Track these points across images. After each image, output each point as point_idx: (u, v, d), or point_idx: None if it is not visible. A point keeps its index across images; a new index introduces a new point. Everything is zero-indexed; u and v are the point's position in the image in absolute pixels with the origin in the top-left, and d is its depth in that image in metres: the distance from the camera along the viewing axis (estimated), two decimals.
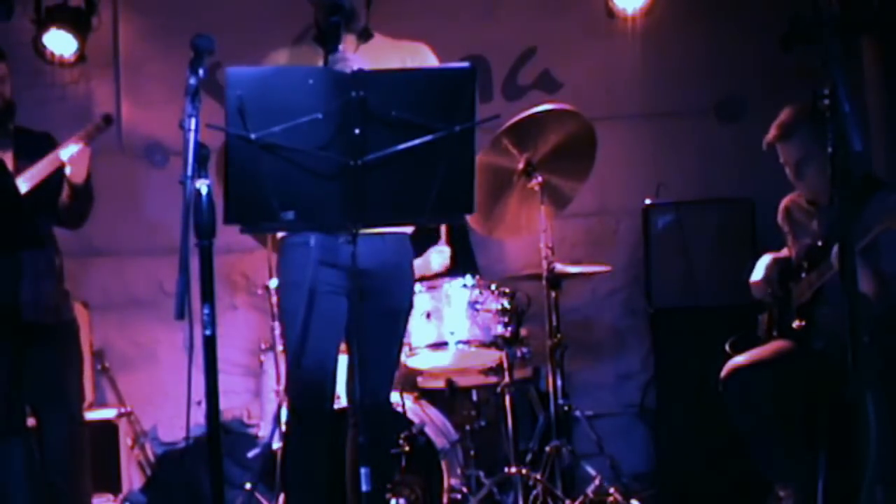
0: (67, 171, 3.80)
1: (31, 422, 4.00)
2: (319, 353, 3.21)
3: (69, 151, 3.79)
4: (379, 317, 3.20)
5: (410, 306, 3.42)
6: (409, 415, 4.25)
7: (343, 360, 3.34)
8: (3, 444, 3.88)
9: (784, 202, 4.08)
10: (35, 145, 3.99)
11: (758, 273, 4.04)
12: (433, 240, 4.76)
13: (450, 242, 4.74)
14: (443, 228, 4.72)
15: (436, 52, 3.35)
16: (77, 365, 4.08)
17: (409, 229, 3.40)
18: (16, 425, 3.91)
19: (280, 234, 3.38)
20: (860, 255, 3.40)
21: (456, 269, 4.53)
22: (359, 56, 3.15)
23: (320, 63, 3.16)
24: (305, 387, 3.25)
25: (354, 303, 3.05)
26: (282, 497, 4.33)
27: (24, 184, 3.80)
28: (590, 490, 4.22)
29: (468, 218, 4.15)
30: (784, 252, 4.09)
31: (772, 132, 3.87)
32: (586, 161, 4.34)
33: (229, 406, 5.42)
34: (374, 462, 2.74)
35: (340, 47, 3.06)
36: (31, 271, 3.91)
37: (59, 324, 4.00)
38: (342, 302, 3.21)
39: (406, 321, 3.42)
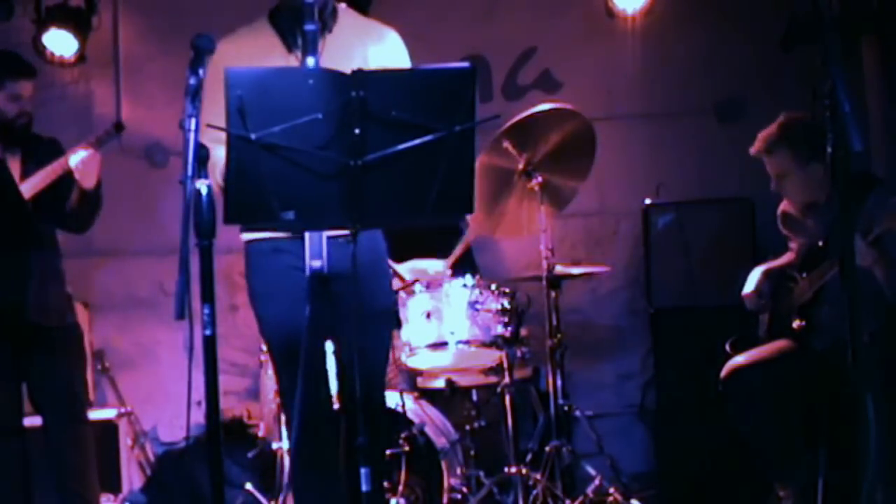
0: (77, 176, 3.81)
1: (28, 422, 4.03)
2: (306, 359, 3.14)
3: (78, 157, 3.82)
4: (361, 319, 3.14)
5: (392, 303, 3.37)
6: (409, 415, 4.25)
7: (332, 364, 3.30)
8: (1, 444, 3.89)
9: (780, 209, 4.11)
10: (42, 150, 4.02)
11: (749, 285, 4.05)
12: (427, 240, 4.74)
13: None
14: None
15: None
16: (82, 368, 4.16)
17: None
18: (13, 425, 3.92)
19: (245, 239, 3.26)
20: (871, 246, 3.42)
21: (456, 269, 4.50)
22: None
23: (279, 48, 3.13)
24: (299, 393, 3.21)
25: (338, 306, 3.01)
26: (281, 497, 4.34)
27: (30, 187, 3.83)
28: (590, 490, 4.22)
29: (469, 218, 4.23)
30: (780, 261, 4.09)
31: (756, 144, 3.91)
32: (586, 160, 4.33)
33: (229, 406, 5.41)
34: (371, 464, 2.74)
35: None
36: (38, 273, 3.94)
37: (63, 327, 4.03)
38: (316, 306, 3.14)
39: (391, 319, 3.37)
